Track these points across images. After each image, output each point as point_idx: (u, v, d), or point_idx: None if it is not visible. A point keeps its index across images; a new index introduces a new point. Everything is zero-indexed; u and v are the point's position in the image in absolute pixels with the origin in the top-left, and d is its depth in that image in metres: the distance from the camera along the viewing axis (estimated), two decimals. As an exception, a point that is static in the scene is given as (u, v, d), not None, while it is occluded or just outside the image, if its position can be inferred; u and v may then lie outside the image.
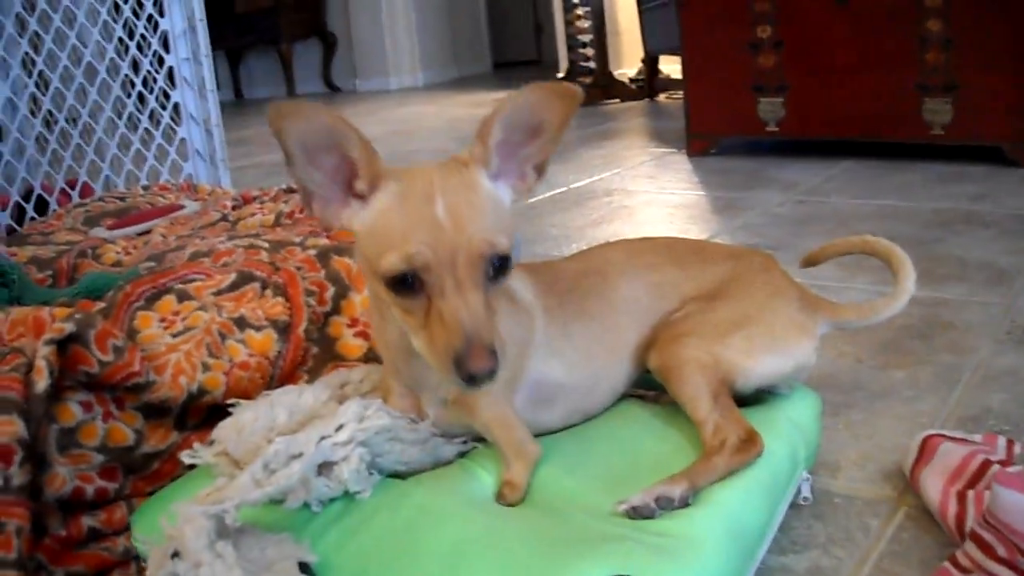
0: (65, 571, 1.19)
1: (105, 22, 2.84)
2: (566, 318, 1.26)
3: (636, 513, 1.05)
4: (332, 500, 1.08)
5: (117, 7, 2.85)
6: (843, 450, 1.44)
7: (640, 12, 6.16)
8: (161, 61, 2.89)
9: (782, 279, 1.37)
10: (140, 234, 2.18)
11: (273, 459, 1.01)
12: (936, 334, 1.88)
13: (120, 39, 2.84)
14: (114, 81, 2.85)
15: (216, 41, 3.05)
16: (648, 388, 1.36)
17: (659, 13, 5.68)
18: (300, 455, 1.02)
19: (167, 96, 2.92)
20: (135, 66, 2.89)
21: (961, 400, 1.59)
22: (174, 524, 0.96)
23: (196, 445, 1.19)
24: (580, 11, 6.56)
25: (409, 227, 0.99)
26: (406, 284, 0.99)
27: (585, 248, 1.45)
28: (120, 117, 2.86)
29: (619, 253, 1.39)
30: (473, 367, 0.95)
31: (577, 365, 1.26)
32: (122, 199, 2.52)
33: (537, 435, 1.20)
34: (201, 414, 1.38)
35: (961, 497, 1.21)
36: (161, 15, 2.86)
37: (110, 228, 2.23)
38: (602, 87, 6.50)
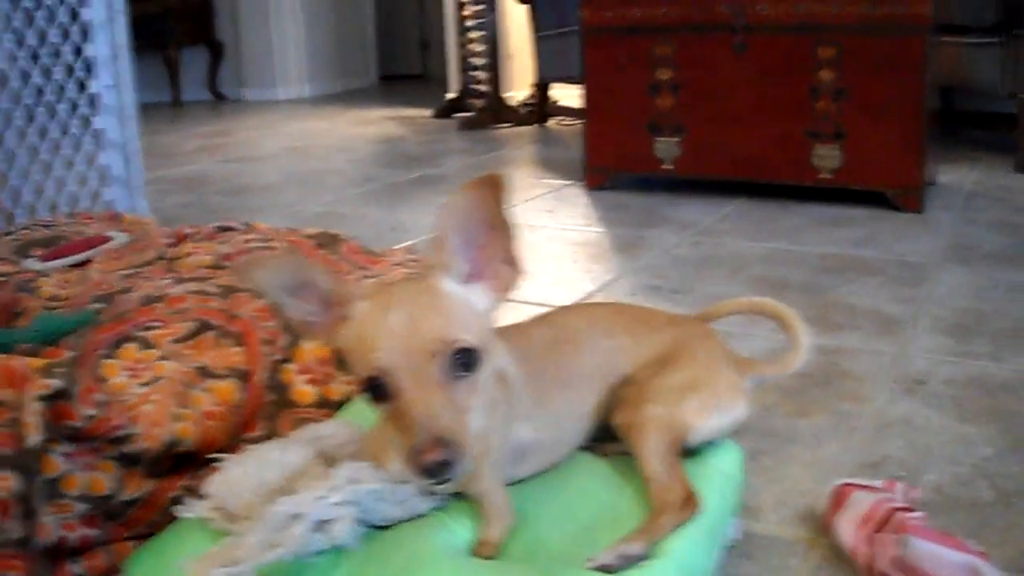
0: None
1: (32, 47, 2.86)
2: (543, 387, 1.38)
3: (604, 569, 1.18)
4: (320, 552, 1.17)
5: (42, 33, 2.87)
6: (761, 494, 1.59)
7: (536, 39, 6.25)
8: (82, 86, 2.93)
9: (718, 345, 1.53)
10: (73, 266, 2.22)
11: (276, 520, 1.11)
12: (835, 382, 2.04)
13: (45, 66, 2.87)
14: (38, 106, 2.87)
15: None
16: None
17: (555, 42, 5.81)
18: (298, 516, 1.12)
19: (88, 122, 2.95)
20: (60, 91, 2.92)
21: (860, 447, 1.75)
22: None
23: (187, 500, 1.27)
24: (474, 34, 6.66)
25: (371, 336, 1.09)
26: (378, 392, 1.09)
27: (544, 313, 1.56)
28: (42, 142, 2.89)
29: (581, 320, 1.52)
30: (424, 459, 1.02)
31: (548, 426, 1.38)
32: (47, 226, 2.55)
33: (508, 484, 1.33)
34: (170, 462, 1.44)
35: (870, 540, 1.37)
36: (85, 39, 2.90)
37: (42, 259, 2.26)
38: (493, 111, 6.58)
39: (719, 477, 1.40)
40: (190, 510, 1.24)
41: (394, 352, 1.07)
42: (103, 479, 1.35)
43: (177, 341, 1.63)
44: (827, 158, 3.65)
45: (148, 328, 1.65)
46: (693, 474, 1.35)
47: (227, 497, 1.21)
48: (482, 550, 1.25)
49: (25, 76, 2.90)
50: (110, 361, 1.55)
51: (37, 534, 1.25)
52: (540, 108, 6.59)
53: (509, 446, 1.32)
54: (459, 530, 1.27)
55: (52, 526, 1.28)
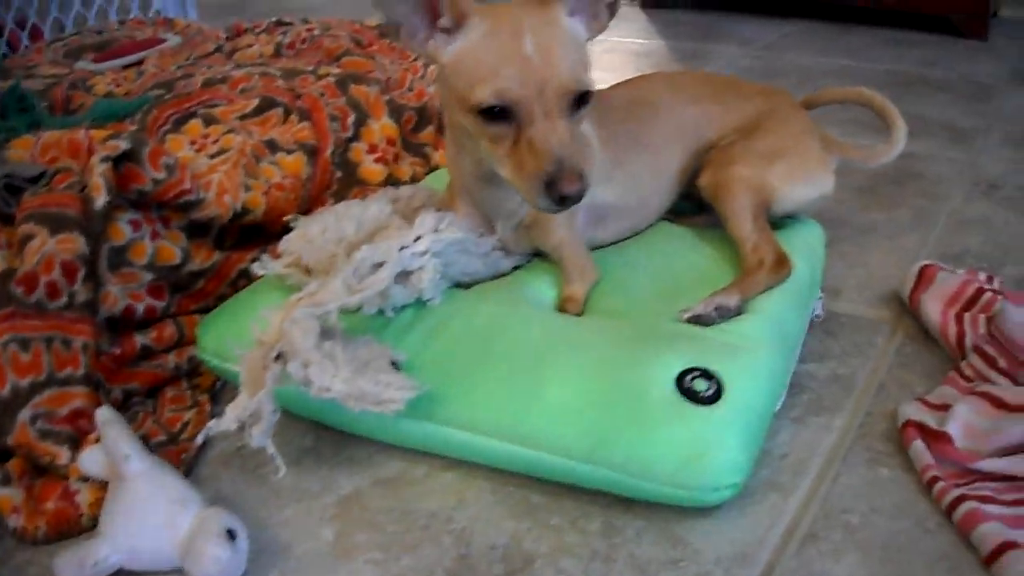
0: (122, 389, 1.23)
1: None
2: (620, 147, 1.33)
3: (698, 320, 1.15)
4: (404, 307, 1.15)
5: None
6: (841, 277, 1.55)
7: None
8: None
9: (807, 118, 1.47)
10: (127, 67, 2.16)
11: (360, 266, 1.07)
12: (909, 182, 1.98)
13: None
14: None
15: None
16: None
17: None
18: (383, 263, 1.08)
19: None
20: None
21: (940, 239, 1.70)
22: (265, 329, 1.02)
23: (264, 257, 1.23)
24: None
25: (499, 62, 1.04)
26: (496, 115, 1.04)
27: (625, 79, 1.51)
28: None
29: (663, 85, 1.47)
30: (565, 189, 1.01)
31: (628, 189, 1.34)
32: (99, 32, 2.48)
33: (591, 249, 1.30)
34: (236, 235, 1.43)
35: (959, 319, 1.33)
36: None
37: (95, 61, 2.21)
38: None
39: (805, 249, 1.36)
40: (265, 267, 1.21)
41: (528, 82, 1.03)
42: (171, 248, 1.33)
43: (243, 117, 1.58)
44: (891, -22, 3.48)
45: (213, 105, 1.60)
46: (781, 243, 1.30)
47: (305, 251, 1.18)
48: (567, 306, 1.22)
49: None
50: (175, 135, 1.52)
51: (103, 301, 1.23)
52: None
53: (586, 205, 1.27)
54: (544, 288, 1.24)
55: (118, 295, 1.26)
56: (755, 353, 1.09)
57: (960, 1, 3.36)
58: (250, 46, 2.07)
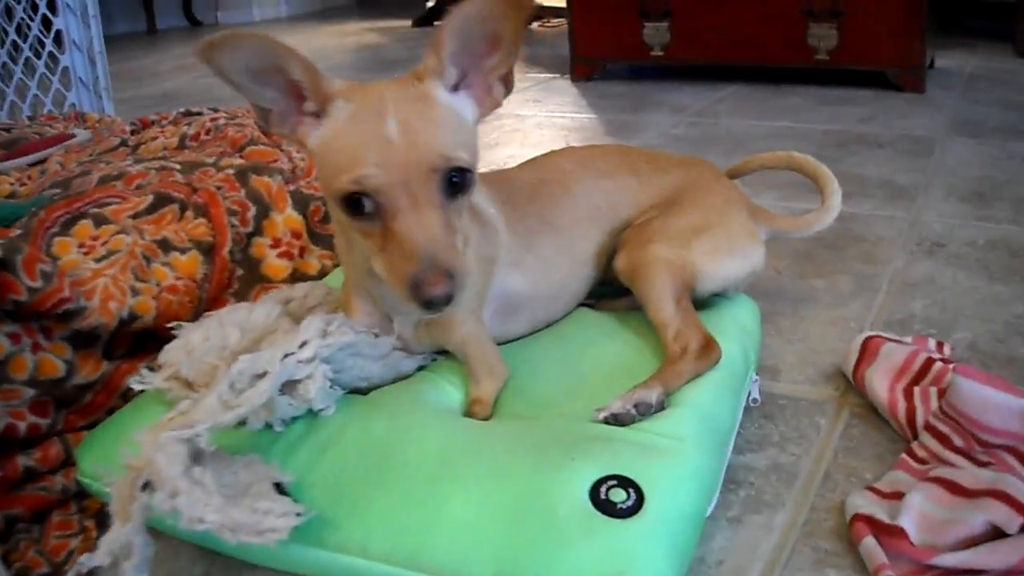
0: (3, 515, 1.13)
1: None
2: (529, 231, 1.24)
3: (616, 420, 1.05)
4: (294, 419, 1.04)
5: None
6: (779, 354, 1.46)
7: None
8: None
9: (732, 187, 1.39)
10: (33, 164, 2.08)
11: (238, 379, 0.96)
12: (849, 246, 1.91)
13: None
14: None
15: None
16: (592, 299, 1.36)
17: (536, -61, 5.61)
18: (264, 374, 0.97)
19: (48, 24, 2.78)
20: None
21: (884, 305, 1.63)
22: (136, 454, 0.91)
23: (143, 370, 1.13)
24: (450, -62, 6.44)
25: (360, 147, 0.95)
26: (361, 206, 0.95)
27: (531, 158, 1.42)
28: (1, 46, 2.73)
29: (572, 161, 1.38)
30: (429, 292, 0.91)
31: (541, 276, 1.25)
32: (7, 130, 2.39)
33: (501, 343, 1.19)
34: (128, 342, 1.32)
35: (908, 394, 1.24)
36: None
37: (1, 160, 2.13)
38: (476, 16, 6.39)
39: (736, 329, 1.27)
40: (143, 381, 1.10)
41: (391, 166, 0.93)
42: (54, 361, 1.22)
43: (136, 216, 1.48)
44: (824, 37, 3.46)
45: (104, 204, 1.50)
46: (708, 325, 1.21)
47: (185, 363, 1.07)
48: (475, 408, 1.12)
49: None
50: (62, 239, 1.41)
51: (-21, 422, 1.12)
52: (523, 11, 6.39)
53: (494, 295, 1.19)
54: (449, 390, 1.13)
55: None
56: (681, 453, 0.99)
57: (896, 55, 3.38)
58: (155, 139, 1.98)
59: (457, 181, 0.97)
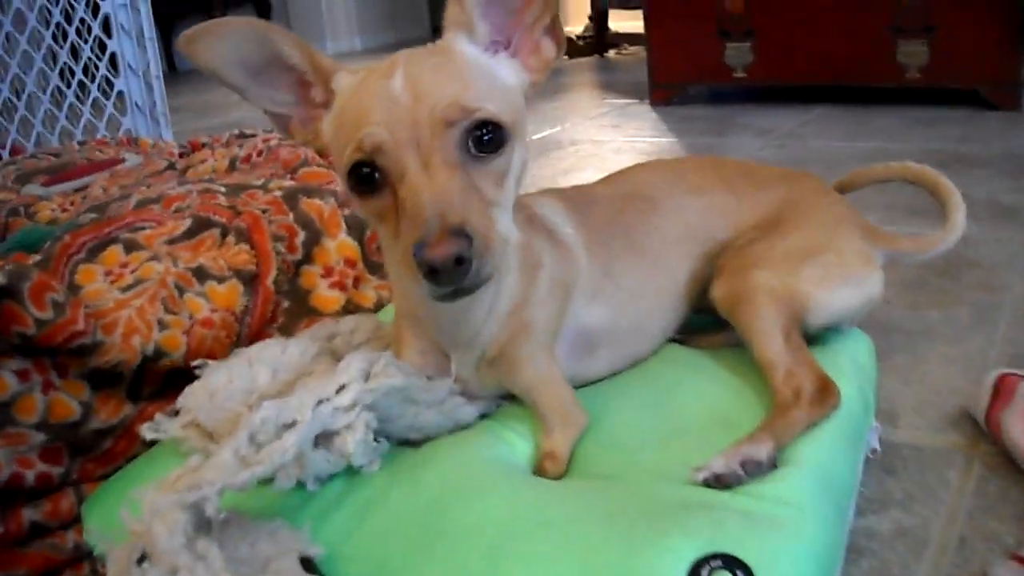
0: (5, 575, 1.01)
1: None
2: (611, 255, 1.08)
3: (719, 482, 0.87)
4: (332, 476, 0.88)
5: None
6: (897, 397, 1.29)
7: (590, -38, 5.97)
8: (96, 8, 2.67)
9: (842, 203, 1.21)
10: (78, 190, 1.97)
11: (260, 429, 0.80)
12: (963, 272, 1.74)
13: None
14: (45, 30, 2.62)
15: (148, 8, 2.83)
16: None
17: (611, -39, 5.50)
18: (293, 424, 0.81)
19: (103, 46, 2.69)
20: (67, 14, 2.67)
21: (1009, 337, 1.46)
22: (138, 517, 0.76)
23: (158, 416, 0.99)
24: (526, -31, 6.38)
25: (364, 111, 0.82)
26: (367, 180, 0.82)
27: (614, 172, 1.26)
28: (53, 69, 2.64)
29: (661, 175, 1.21)
30: (430, 254, 0.75)
31: (625, 307, 1.08)
32: (57, 155, 2.30)
33: (578, 387, 1.02)
34: (158, 381, 1.19)
35: (1051, 438, 1.06)
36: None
37: (45, 184, 2.03)
38: (549, 44, 6.32)
39: (852, 368, 1.08)
40: (158, 429, 0.95)
41: (396, 124, 0.80)
42: (68, 402, 1.10)
43: (172, 241, 1.35)
44: (914, 55, 3.28)
45: (138, 229, 1.37)
46: (820, 362, 1.03)
47: (204, 409, 0.91)
48: (546, 464, 0.94)
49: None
50: (88, 266, 1.29)
51: (-20, 471, 1.01)
52: (598, 38, 6.30)
53: (570, 330, 1.02)
54: (517, 442, 0.96)
55: (2, 461, 1.03)
56: (797, 524, 0.80)
57: (987, 73, 3.23)
58: (204, 161, 1.86)
59: (489, 138, 0.82)
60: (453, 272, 0.75)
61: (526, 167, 0.89)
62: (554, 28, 0.91)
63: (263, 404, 0.82)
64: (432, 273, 0.75)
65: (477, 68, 0.87)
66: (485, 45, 0.89)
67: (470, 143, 0.81)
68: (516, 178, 0.86)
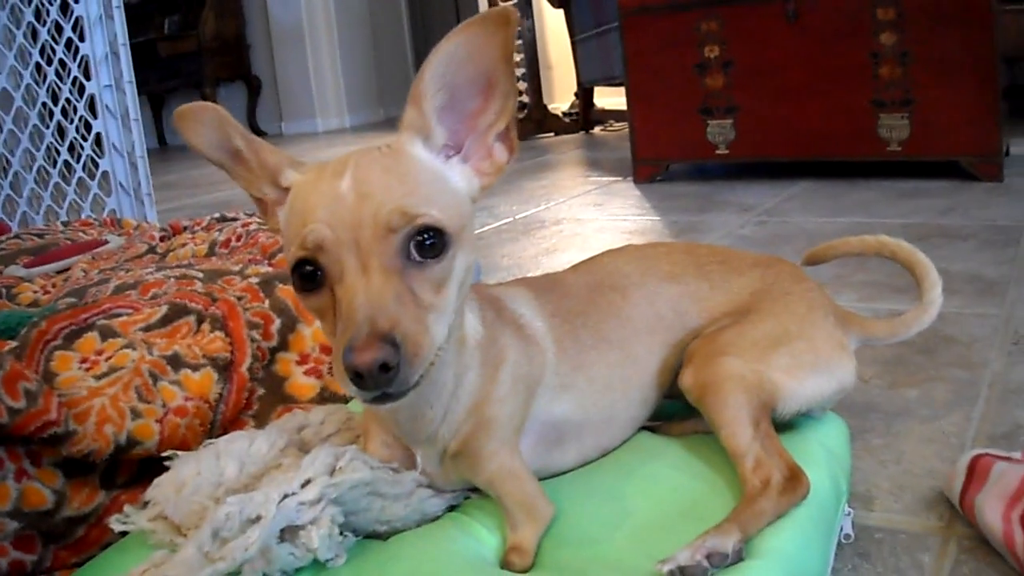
0: None
1: (21, 45, 2.63)
2: (581, 347, 1.08)
3: (684, 575, 0.86)
4: (298, 570, 0.87)
5: (34, 30, 2.64)
6: (872, 479, 1.27)
7: (573, 43, 6.05)
8: (82, 89, 2.69)
9: (815, 291, 1.20)
10: (60, 272, 1.98)
11: (224, 525, 0.80)
12: (940, 349, 1.73)
13: (37, 64, 2.64)
14: (31, 110, 2.64)
15: (139, 85, 2.84)
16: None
17: (594, 42, 5.56)
18: (258, 519, 0.81)
19: (88, 127, 2.71)
20: (53, 95, 2.69)
21: (987, 416, 1.44)
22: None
23: (127, 508, 0.98)
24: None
25: (310, 208, 0.83)
26: (310, 278, 0.82)
27: (585, 259, 1.26)
28: (38, 149, 2.66)
29: (632, 263, 1.21)
30: (354, 359, 0.74)
31: (593, 399, 1.08)
32: (40, 236, 2.31)
33: (543, 478, 1.02)
34: (132, 469, 1.18)
35: (1025, 521, 1.05)
36: (81, 39, 2.66)
37: (27, 266, 2.04)
38: (536, 121, 6.41)
39: (824, 454, 1.08)
40: (127, 521, 0.95)
41: (338, 223, 0.80)
42: (41, 490, 1.09)
43: (147, 328, 1.35)
44: (895, 128, 3.31)
45: (114, 315, 1.37)
46: (790, 450, 1.02)
47: (172, 502, 0.91)
48: (512, 558, 0.93)
49: (16, 78, 2.67)
50: (64, 353, 1.28)
51: (-50, 561, 1.00)
52: (584, 115, 6.39)
53: (537, 423, 1.02)
54: (483, 534, 0.95)
55: None
56: (762, 617, 0.80)
57: (971, 143, 3.24)
58: (184, 245, 1.86)
59: (428, 242, 0.82)
60: (378, 378, 0.75)
61: (471, 271, 0.89)
62: (508, 134, 0.91)
63: (227, 499, 0.82)
64: (358, 377, 0.75)
65: (427, 173, 0.87)
66: (439, 150, 0.89)
67: (412, 248, 0.81)
68: (459, 282, 0.85)
